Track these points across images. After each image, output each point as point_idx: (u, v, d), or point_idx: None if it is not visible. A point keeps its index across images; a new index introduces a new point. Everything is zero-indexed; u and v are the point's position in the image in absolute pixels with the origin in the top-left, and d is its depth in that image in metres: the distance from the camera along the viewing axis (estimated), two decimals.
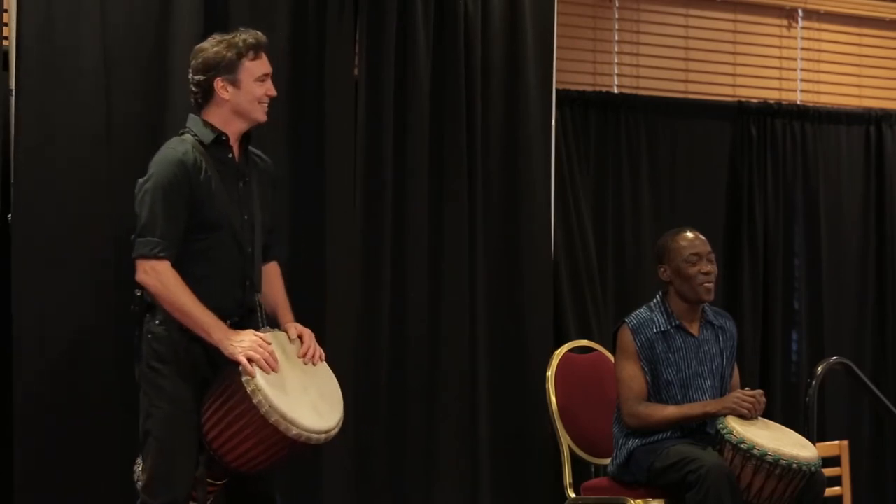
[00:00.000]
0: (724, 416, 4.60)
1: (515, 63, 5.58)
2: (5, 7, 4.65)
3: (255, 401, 3.76)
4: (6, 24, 4.67)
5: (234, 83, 4.00)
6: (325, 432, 3.86)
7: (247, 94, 4.01)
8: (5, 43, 4.68)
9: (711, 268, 4.82)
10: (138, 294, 3.94)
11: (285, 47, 5.12)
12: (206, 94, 4.02)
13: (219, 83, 3.99)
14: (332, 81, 5.22)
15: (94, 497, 4.70)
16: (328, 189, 5.21)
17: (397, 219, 5.36)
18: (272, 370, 3.82)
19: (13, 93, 4.63)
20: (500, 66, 5.56)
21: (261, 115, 4.07)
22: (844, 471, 5.27)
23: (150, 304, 3.92)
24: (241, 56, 4.00)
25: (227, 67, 3.99)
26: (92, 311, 4.70)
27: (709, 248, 4.86)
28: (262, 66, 4.05)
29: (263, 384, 3.77)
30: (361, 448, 5.21)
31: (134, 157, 4.76)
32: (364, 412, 5.20)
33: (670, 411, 4.71)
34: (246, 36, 4.04)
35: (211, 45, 4.04)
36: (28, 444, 4.60)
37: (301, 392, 3.88)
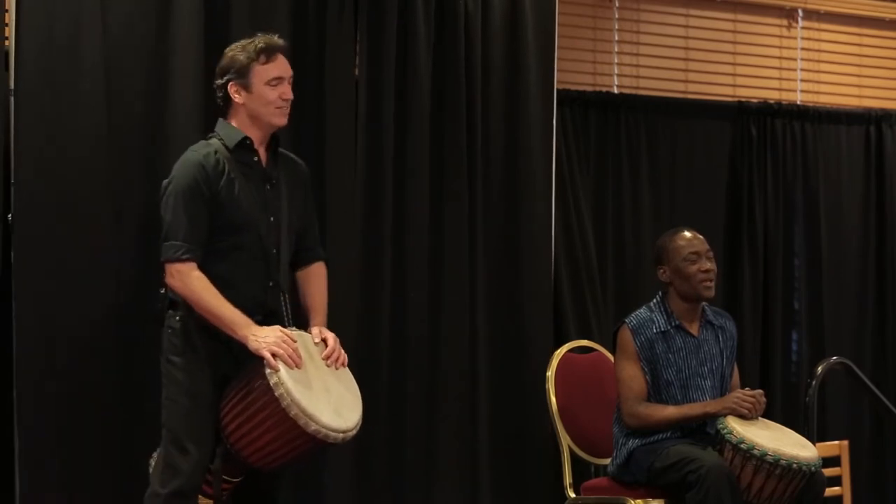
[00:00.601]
0: (725, 416, 4.60)
1: (515, 63, 5.58)
2: (5, 7, 4.64)
3: (276, 393, 3.78)
4: (6, 25, 4.66)
5: (246, 87, 4.03)
6: (343, 432, 3.87)
7: (259, 98, 4.04)
8: (6, 43, 4.68)
9: (711, 266, 4.82)
10: (162, 292, 4.00)
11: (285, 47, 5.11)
12: (225, 98, 4.07)
13: (232, 87, 4.04)
14: (332, 81, 5.22)
15: (95, 497, 4.70)
16: (328, 189, 5.21)
17: (397, 219, 5.36)
18: (296, 366, 3.84)
19: (13, 93, 4.63)
20: (500, 66, 5.56)
21: (277, 118, 4.09)
22: (844, 471, 5.26)
23: (172, 300, 3.97)
24: (251, 60, 4.03)
25: (238, 71, 4.03)
26: (92, 311, 4.69)
27: (707, 247, 4.86)
28: (274, 69, 4.07)
29: (286, 378, 3.80)
30: (361, 448, 5.20)
31: (134, 157, 4.77)
32: (364, 412, 5.17)
33: (670, 411, 4.71)
34: (259, 40, 4.07)
35: (229, 51, 4.10)
36: (29, 443, 4.59)
37: (323, 391, 3.91)
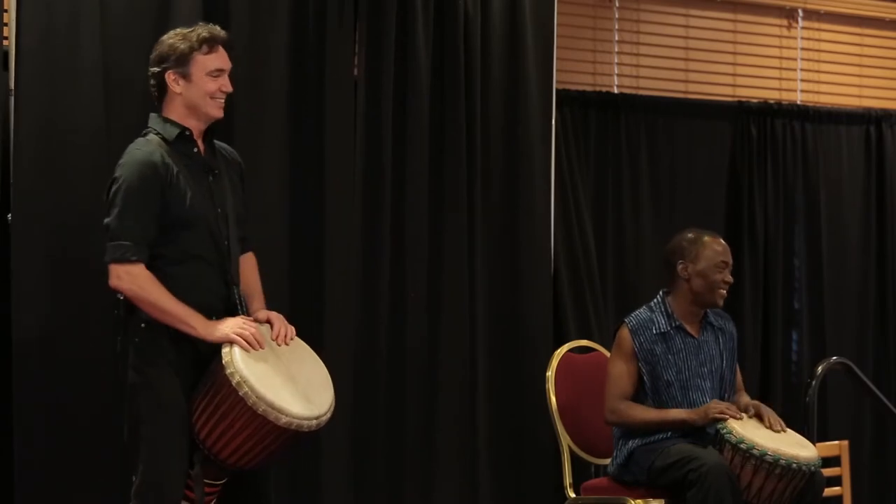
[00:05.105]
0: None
1: (515, 63, 5.58)
2: (5, 7, 4.65)
3: (241, 393, 3.71)
4: (6, 24, 4.67)
5: (185, 76, 3.92)
6: (316, 418, 3.81)
7: (197, 89, 3.93)
8: (5, 43, 4.68)
9: (730, 279, 4.84)
10: (121, 298, 3.87)
11: (285, 47, 5.12)
12: (161, 88, 3.96)
13: (170, 76, 3.92)
14: (332, 81, 5.22)
15: (94, 497, 4.70)
16: (328, 189, 5.21)
17: (397, 219, 5.35)
18: (259, 346, 3.79)
19: (13, 93, 4.63)
20: (500, 66, 5.56)
21: (214, 110, 3.97)
22: (844, 471, 5.26)
23: (132, 307, 3.85)
24: (192, 49, 3.92)
25: (178, 60, 3.92)
26: (92, 311, 4.68)
27: (731, 260, 4.89)
28: (216, 60, 3.96)
29: (249, 376, 3.73)
30: (361, 447, 5.21)
31: None
32: (364, 412, 5.20)
33: (651, 414, 4.70)
34: (202, 30, 3.97)
35: (167, 38, 3.97)
36: (28, 444, 4.59)
37: (289, 381, 3.84)
